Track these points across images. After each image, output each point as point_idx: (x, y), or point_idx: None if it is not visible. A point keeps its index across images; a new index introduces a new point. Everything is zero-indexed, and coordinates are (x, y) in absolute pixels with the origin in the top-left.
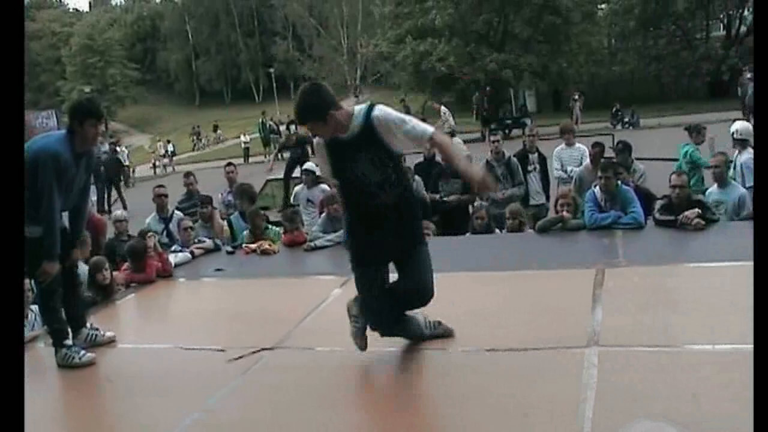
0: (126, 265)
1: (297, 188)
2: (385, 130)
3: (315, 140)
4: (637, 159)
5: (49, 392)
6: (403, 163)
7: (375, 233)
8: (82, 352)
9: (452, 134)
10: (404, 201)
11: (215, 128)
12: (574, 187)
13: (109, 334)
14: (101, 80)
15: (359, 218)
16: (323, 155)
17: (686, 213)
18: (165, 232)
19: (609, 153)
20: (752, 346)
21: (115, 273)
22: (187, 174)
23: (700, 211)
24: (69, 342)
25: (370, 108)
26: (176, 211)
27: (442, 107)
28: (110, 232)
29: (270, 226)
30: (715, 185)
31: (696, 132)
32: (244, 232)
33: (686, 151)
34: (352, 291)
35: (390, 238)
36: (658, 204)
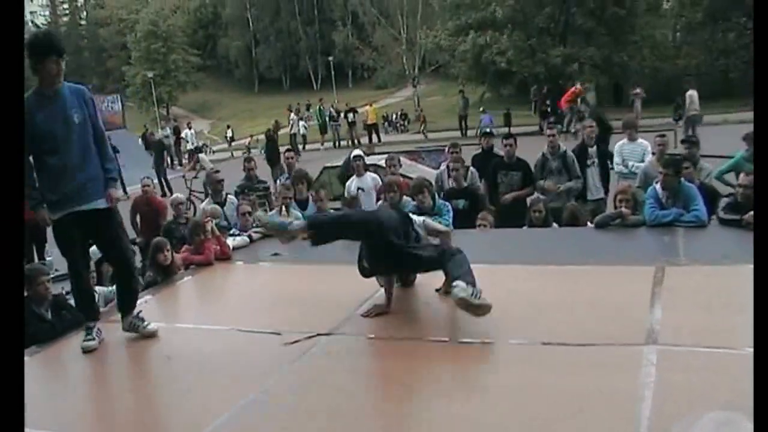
0: (185, 247)
1: (348, 182)
2: None
3: None
4: (702, 156)
5: (110, 368)
6: None
7: None
8: (95, 341)
9: (199, 150)
10: None
11: (308, 107)
12: (640, 182)
13: (151, 327)
14: (164, 65)
15: None
16: None
17: (752, 212)
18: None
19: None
20: None
21: (174, 254)
22: (248, 159)
23: None
24: (92, 324)
25: None
26: (230, 196)
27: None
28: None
29: None
30: None
31: (750, 141)
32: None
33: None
34: None
35: None
36: (723, 202)
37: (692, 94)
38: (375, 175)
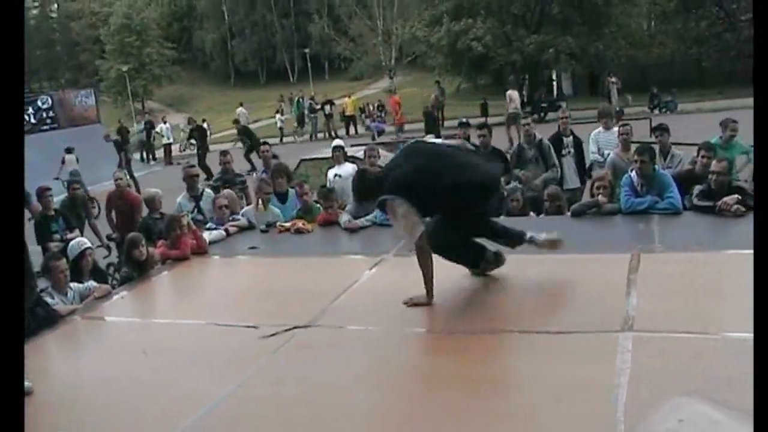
0: (161, 242)
1: (329, 170)
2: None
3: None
4: (674, 144)
5: (85, 364)
6: None
7: None
8: None
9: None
10: None
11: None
12: (609, 172)
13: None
14: (138, 59)
15: None
16: None
17: (725, 199)
18: (196, 210)
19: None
20: None
21: (150, 249)
22: (224, 152)
23: (739, 197)
24: None
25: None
26: (207, 190)
27: None
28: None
29: (318, 206)
30: None
31: (724, 127)
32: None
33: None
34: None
35: None
36: (696, 189)
37: (511, 93)
38: (354, 165)
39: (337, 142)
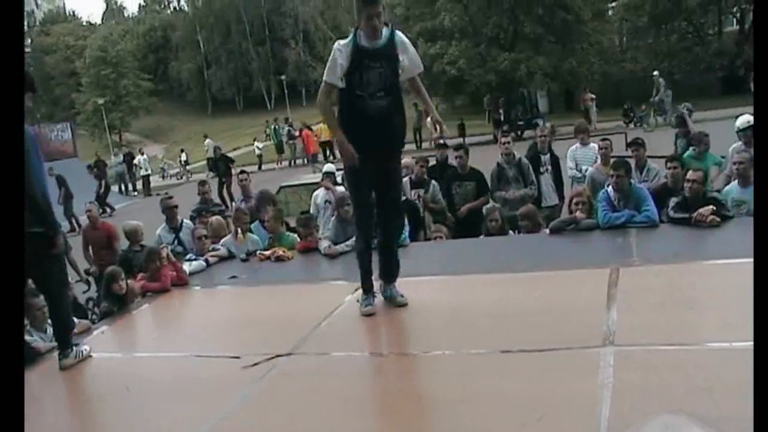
0: (141, 275)
1: (315, 192)
2: (402, 48)
3: (339, 44)
4: (650, 157)
5: (66, 399)
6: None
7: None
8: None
9: None
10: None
11: (286, 120)
12: (588, 187)
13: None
14: (115, 91)
15: (354, 115)
16: (345, 57)
17: (700, 210)
18: (176, 242)
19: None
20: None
21: (130, 282)
22: (202, 182)
23: (714, 208)
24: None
25: (393, 29)
26: (186, 221)
27: None
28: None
29: (288, 233)
30: (736, 183)
31: (697, 141)
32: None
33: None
34: None
35: (379, 133)
36: (672, 202)
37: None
38: (343, 188)
39: (328, 167)
